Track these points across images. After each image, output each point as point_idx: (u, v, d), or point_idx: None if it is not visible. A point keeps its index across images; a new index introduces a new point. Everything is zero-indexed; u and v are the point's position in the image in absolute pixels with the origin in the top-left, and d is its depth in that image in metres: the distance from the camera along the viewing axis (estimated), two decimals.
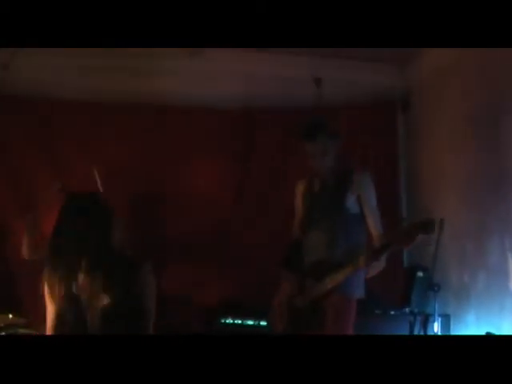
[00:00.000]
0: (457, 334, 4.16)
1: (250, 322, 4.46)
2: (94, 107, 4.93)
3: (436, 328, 3.77)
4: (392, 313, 4.35)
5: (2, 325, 3.94)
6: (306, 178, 3.70)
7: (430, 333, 3.80)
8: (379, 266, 3.33)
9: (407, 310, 4.22)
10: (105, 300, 2.74)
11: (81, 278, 2.78)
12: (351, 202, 3.48)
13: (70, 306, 2.76)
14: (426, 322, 3.85)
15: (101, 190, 4.01)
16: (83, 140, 4.93)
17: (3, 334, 3.84)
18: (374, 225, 3.46)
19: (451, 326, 4.24)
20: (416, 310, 4.09)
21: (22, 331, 3.92)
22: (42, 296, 2.86)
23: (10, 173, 4.93)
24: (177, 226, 4.91)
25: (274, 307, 3.63)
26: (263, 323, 4.37)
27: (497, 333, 3.60)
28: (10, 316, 4.09)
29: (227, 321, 4.48)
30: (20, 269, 4.41)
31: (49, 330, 2.82)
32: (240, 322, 4.47)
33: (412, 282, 4.22)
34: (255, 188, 5.02)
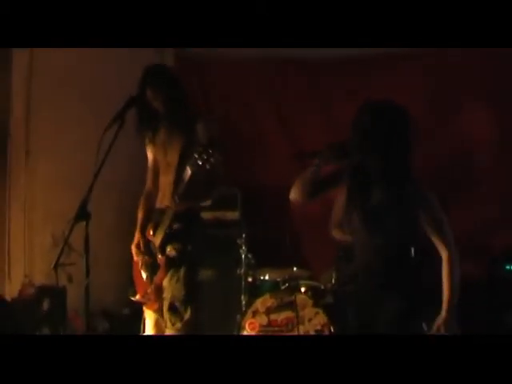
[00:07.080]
0: None
1: None
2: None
3: None
4: None
5: (287, 276, 4.26)
6: None
7: None
8: None
9: None
10: None
11: None
12: None
13: None
14: None
15: None
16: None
17: (286, 284, 4.17)
18: None
19: None
20: None
21: (303, 283, 4.20)
22: None
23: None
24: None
25: None
26: None
27: None
28: (295, 269, 4.40)
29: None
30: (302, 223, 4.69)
31: None
32: None
33: None
34: None
